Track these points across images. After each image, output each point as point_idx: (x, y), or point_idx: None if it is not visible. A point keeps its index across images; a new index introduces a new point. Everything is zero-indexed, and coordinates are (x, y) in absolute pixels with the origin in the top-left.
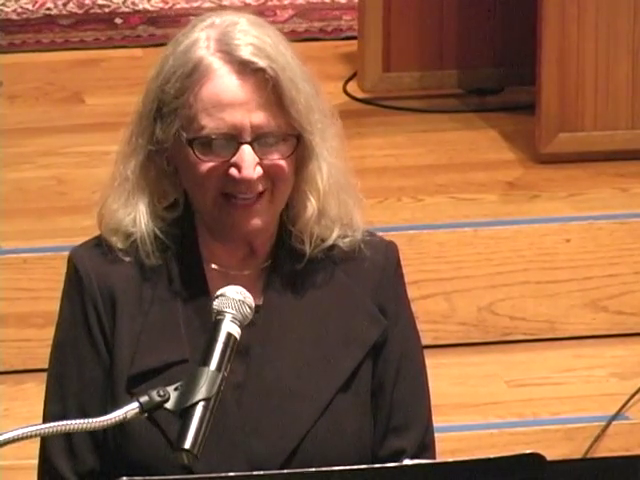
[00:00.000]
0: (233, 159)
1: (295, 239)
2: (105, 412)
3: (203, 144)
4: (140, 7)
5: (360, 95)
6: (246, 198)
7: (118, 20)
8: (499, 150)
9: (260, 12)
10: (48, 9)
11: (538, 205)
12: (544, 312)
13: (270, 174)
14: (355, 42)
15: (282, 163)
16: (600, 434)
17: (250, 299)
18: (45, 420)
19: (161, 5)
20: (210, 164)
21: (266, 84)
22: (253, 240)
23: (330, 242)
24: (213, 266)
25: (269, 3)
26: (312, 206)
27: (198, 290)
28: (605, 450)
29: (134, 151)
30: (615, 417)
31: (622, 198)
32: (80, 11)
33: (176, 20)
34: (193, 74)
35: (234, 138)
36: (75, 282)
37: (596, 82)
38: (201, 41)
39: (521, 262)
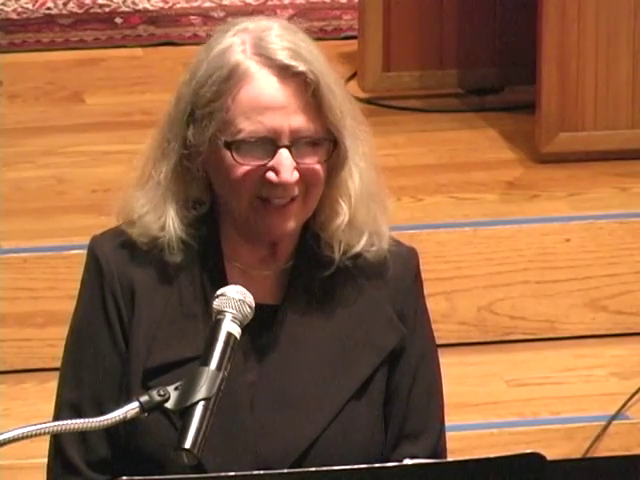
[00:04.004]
0: (271, 163)
1: (325, 246)
2: (119, 403)
3: (241, 147)
4: (140, 7)
5: (360, 95)
6: (280, 201)
7: (118, 20)
8: (499, 150)
9: (260, 11)
10: (48, 9)
11: (538, 205)
12: (544, 312)
13: (305, 178)
14: (355, 42)
15: (317, 167)
16: (600, 434)
17: (250, 298)
18: (58, 405)
19: (161, 5)
20: (247, 167)
21: (307, 88)
22: (278, 241)
23: (358, 249)
24: (234, 264)
25: (269, 3)
26: (343, 212)
27: (217, 287)
28: (605, 450)
29: (166, 156)
30: (615, 417)
31: (622, 198)
32: (80, 11)
33: (176, 20)
34: (231, 78)
35: (272, 142)
36: (95, 271)
37: (596, 82)
38: (236, 45)
39: (521, 262)
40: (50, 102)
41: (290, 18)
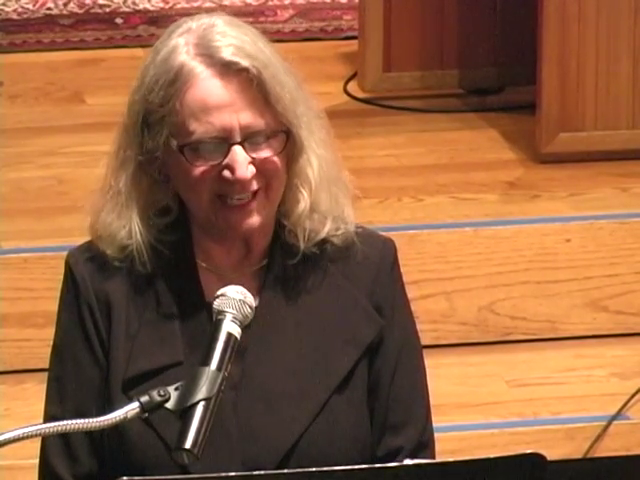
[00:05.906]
0: (225, 161)
1: (289, 234)
2: (102, 414)
3: (194, 149)
4: (140, 7)
5: (360, 95)
6: (241, 198)
7: (118, 20)
8: (499, 150)
9: (260, 12)
10: (49, 9)
11: (538, 205)
12: (544, 312)
13: (263, 172)
14: (355, 42)
15: (274, 159)
16: (601, 434)
17: (250, 299)
18: (45, 421)
19: (161, 5)
20: (203, 168)
21: (250, 83)
22: (250, 239)
23: (323, 235)
24: (208, 267)
25: (269, 3)
26: (304, 200)
27: (192, 292)
28: (605, 450)
29: (123, 163)
30: (615, 417)
31: (622, 198)
32: (80, 11)
33: (176, 20)
34: (176, 81)
35: (224, 140)
36: (71, 286)
37: (597, 82)
38: (180, 47)
39: (521, 262)
40: (50, 102)
41: (290, 18)
